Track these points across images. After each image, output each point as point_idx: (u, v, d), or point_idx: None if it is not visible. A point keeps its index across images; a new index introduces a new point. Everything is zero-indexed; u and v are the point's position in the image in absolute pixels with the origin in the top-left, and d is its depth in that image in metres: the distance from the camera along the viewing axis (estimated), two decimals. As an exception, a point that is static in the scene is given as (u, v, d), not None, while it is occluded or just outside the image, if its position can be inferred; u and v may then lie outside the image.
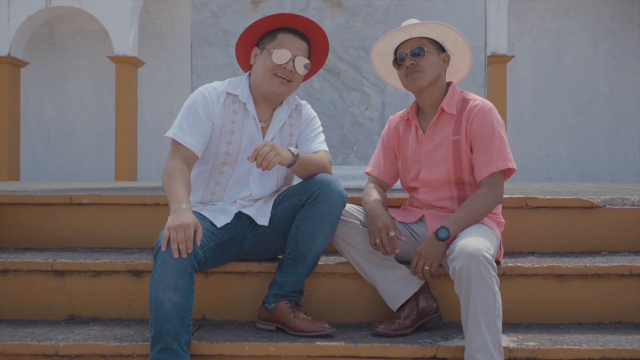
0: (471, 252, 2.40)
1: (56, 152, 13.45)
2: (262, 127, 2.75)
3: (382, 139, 3.01)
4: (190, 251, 2.35)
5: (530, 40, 12.92)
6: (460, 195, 2.78)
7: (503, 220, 2.85)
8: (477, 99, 2.78)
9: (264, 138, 2.75)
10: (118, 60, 12.05)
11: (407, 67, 2.74)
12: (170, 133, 2.67)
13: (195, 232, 2.39)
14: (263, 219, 2.72)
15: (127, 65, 12.09)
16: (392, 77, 2.96)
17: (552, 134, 12.88)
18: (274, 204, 2.75)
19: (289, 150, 2.59)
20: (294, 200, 2.68)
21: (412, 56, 2.72)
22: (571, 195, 3.39)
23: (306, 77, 2.89)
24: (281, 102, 2.80)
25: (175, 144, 2.67)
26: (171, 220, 2.41)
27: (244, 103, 2.75)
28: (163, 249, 2.36)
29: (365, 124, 5.23)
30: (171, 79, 13.16)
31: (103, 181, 7.16)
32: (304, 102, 2.91)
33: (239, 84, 2.78)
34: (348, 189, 4.83)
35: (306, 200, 2.64)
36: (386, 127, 3.00)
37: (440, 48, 2.79)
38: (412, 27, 2.71)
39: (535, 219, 3.20)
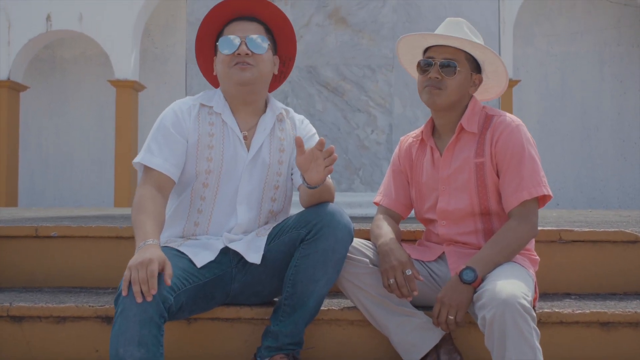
0: (505, 299, 1.93)
1: (55, 177, 13.03)
2: (244, 136, 2.33)
3: (392, 163, 2.55)
4: (154, 292, 1.88)
5: (535, 65, 12.53)
6: (487, 228, 2.32)
7: (537, 257, 2.38)
8: (503, 115, 2.33)
9: (248, 149, 2.31)
10: (118, 84, 11.70)
11: (430, 77, 2.29)
12: (138, 158, 2.26)
13: (163, 269, 1.93)
14: (255, 256, 2.25)
15: (128, 90, 11.74)
16: (412, 68, 2.50)
17: (559, 159, 12.42)
18: (268, 239, 2.29)
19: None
20: (292, 235, 2.21)
21: (440, 67, 2.28)
22: (611, 226, 2.92)
23: (285, 69, 2.48)
24: (265, 109, 2.39)
25: (146, 169, 2.25)
26: (133, 259, 1.95)
27: (220, 114, 2.35)
28: (124, 293, 1.89)
29: (371, 148, 4.81)
30: (172, 102, 12.78)
31: (81, 207, 6.69)
32: (299, 115, 2.50)
33: (213, 94, 2.40)
34: (353, 218, 4.37)
35: (306, 234, 2.18)
36: (397, 149, 2.54)
37: (476, 67, 2.35)
38: (456, 40, 2.26)
39: (571, 254, 2.73)
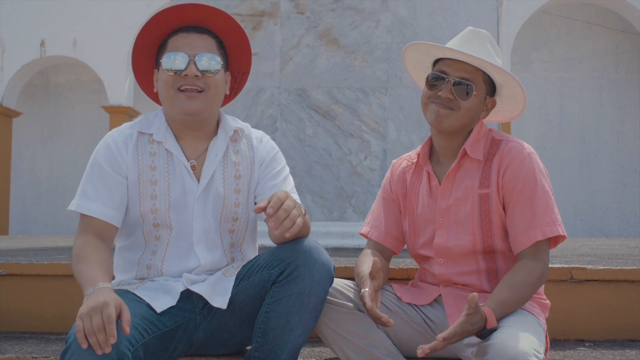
0: (514, 357, 1.59)
1: (48, 204, 12.69)
2: (193, 166, 1.98)
3: (382, 190, 2.21)
4: (114, 340, 1.55)
5: (533, 91, 12.26)
6: (490, 268, 1.98)
7: (548, 301, 2.04)
8: (512, 140, 2.01)
9: (199, 180, 1.95)
10: (112, 110, 11.44)
11: (440, 95, 1.97)
12: (72, 205, 1.91)
13: (119, 315, 1.60)
14: (220, 300, 1.91)
15: (122, 116, 11.47)
16: (420, 73, 2.17)
17: (558, 186, 12.09)
18: (236, 280, 1.95)
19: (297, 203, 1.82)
20: (263, 275, 1.88)
21: (454, 86, 1.96)
22: (626, 262, 2.58)
23: (237, 82, 2.10)
24: (216, 130, 2.03)
25: (83, 216, 1.91)
26: (83, 306, 1.62)
27: (162, 142, 1.98)
28: (83, 345, 1.56)
29: (364, 175, 4.50)
30: (167, 130, 12.50)
31: (66, 235, 6.29)
32: (257, 131, 2.11)
33: (154, 118, 2.02)
34: (345, 249, 4.03)
35: (279, 275, 1.84)
36: (388, 173, 2.21)
37: (491, 89, 2.03)
38: (479, 60, 1.94)
39: (583, 295, 2.40)
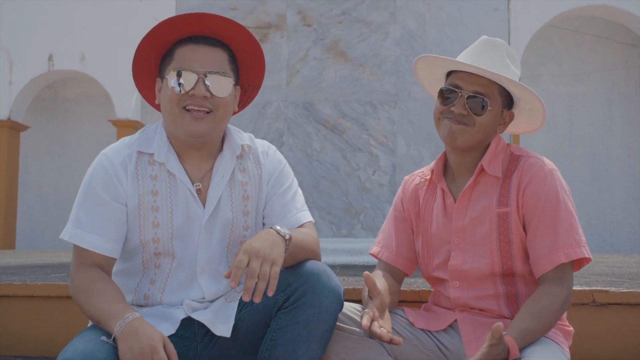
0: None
1: (55, 219, 12.60)
2: (198, 190, 1.81)
3: (394, 208, 2.08)
4: None
5: (542, 105, 12.11)
6: (510, 292, 1.85)
7: (572, 328, 1.90)
8: (532, 156, 1.88)
9: (205, 205, 1.81)
10: (120, 124, 11.37)
11: (453, 111, 1.84)
12: (66, 234, 1.75)
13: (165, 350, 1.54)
14: (223, 328, 1.78)
15: (129, 130, 11.38)
16: (432, 84, 2.04)
17: (568, 201, 11.88)
18: (239, 305, 1.82)
19: (276, 230, 1.67)
20: (268, 301, 1.74)
21: (467, 101, 1.83)
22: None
23: (247, 95, 1.93)
24: (222, 147, 1.86)
25: (78, 248, 1.76)
26: (126, 348, 1.51)
27: (164, 164, 1.80)
28: None
29: (373, 190, 4.38)
30: (174, 144, 12.41)
31: (68, 249, 6.19)
32: (261, 141, 1.93)
33: (153, 134, 1.83)
34: (354, 266, 3.90)
35: (285, 301, 1.71)
36: (400, 190, 2.08)
37: (508, 102, 1.91)
38: (494, 75, 1.82)
39: (605, 320, 2.26)
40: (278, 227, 1.68)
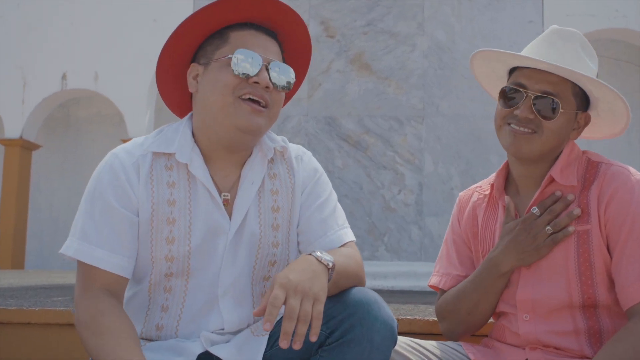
0: None
1: (64, 238, 12.19)
2: (225, 201, 1.51)
3: (451, 230, 1.77)
4: None
5: (559, 129, 11.82)
6: (592, 328, 1.53)
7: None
8: (614, 164, 1.58)
9: (231, 219, 1.51)
10: (132, 144, 11.13)
11: (517, 115, 1.55)
12: (69, 249, 1.43)
13: None
14: (250, 367, 1.46)
15: (141, 150, 11.15)
16: (493, 83, 1.74)
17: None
18: (269, 340, 1.50)
19: (316, 258, 1.36)
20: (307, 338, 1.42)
21: (535, 103, 1.54)
22: None
23: (288, 94, 1.63)
24: (250, 151, 1.56)
25: (84, 267, 1.44)
26: None
27: (186, 165, 1.51)
28: None
29: (398, 210, 4.08)
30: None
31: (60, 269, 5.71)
32: (295, 145, 1.64)
33: (174, 134, 1.52)
34: (377, 291, 3.59)
35: (327, 336, 1.39)
36: (455, 210, 1.77)
37: (584, 102, 1.61)
38: (563, 69, 1.52)
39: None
40: (318, 254, 1.37)
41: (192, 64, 1.52)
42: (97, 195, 1.46)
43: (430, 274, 4.56)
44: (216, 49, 1.49)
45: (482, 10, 4.25)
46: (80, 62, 11.11)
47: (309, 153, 1.64)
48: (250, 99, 1.45)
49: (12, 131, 11.22)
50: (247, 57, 1.44)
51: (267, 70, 1.46)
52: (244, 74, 1.44)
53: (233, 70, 1.44)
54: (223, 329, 1.50)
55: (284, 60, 1.54)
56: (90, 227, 1.44)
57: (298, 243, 1.58)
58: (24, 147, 11.38)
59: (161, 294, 1.51)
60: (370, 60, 4.20)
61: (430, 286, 1.74)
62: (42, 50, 11.16)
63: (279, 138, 1.61)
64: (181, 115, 1.64)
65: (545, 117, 1.54)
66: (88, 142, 12.54)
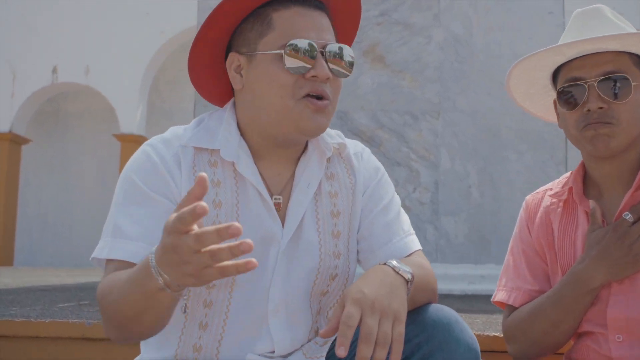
0: None
1: (54, 235, 12.02)
2: (277, 204, 1.29)
3: (519, 239, 1.55)
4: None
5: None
6: None
7: None
8: None
9: (284, 225, 1.29)
10: (124, 138, 10.86)
11: (590, 110, 1.35)
12: (103, 251, 1.19)
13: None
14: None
15: (133, 145, 10.86)
16: (537, 100, 1.55)
17: None
18: (327, 361, 1.28)
19: (392, 268, 1.14)
20: None
21: (599, 87, 1.34)
22: None
23: None
24: (305, 146, 1.34)
25: (115, 264, 1.19)
26: (166, 264, 0.95)
27: (233, 163, 1.28)
28: None
29: (413, 209, 3.88)
30: (179, 160, 11.90)
31: (74, 269, 5.38)
32: (352, 141, 1.41)
33: (217, 126, 1.29)
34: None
35: None
36: (523, 216, 1.55)
37: None
38: (612, 38, 1.33)
39: None
40: (395, 263, 1.15)
41: (231, 54, 1.28)
42: (132, 187, 1.23)
43: (447, 276, 4.30)
44: (259, 36, 1.25)
45: (499, 1, 4.05)
46: (71, 55, 10.81)
47: (367, 149, 1.42)
48: (313, 95, 1.23)
49: (1, 125, 10.90)
50: (301, 49, 1.21)
51: (324, 56, 1.23)
52: (300, 70, 1.21)
53: (287, 68, 1.21)
54: (273, 352, 1.27)
55: (336, 36, 1.31)
56: (124, 222, 1.20)
57: (358, 251, 1.36)
58: (13, 142, 11.06)
59: (200, 308, 1.28)
60: (384, 52, 3.99)
61: (496, 302, 1.53)
62: (32, 42, 10.84)
63: (333, 132, 1.38)
64: (218, 103, 1.41)
65: (619, 99, 1.34)
66: (77, 138, 12.23)
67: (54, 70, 10.96)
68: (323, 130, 1.25)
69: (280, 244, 1.27)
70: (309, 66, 1.21)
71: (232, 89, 1.33)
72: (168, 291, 0.98)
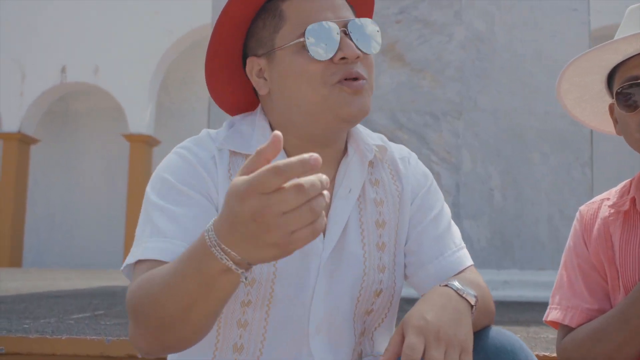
0: None
1: (62, 234, 11.95)
2: None
3: (574, 253, 1.41)
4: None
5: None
6: None
7: None
8: None
9: (324, 236, 1.16)
10: (133, 138, 10.77)
11: None
12: (136, 253, 1.05)
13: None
14: None
15: (142, 144, 10.80)
16: (584, 105, 1.43)
17: None
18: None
19: (456, 291, 1.02)
20: None
21: None
22: None
23: None
24: (344, 146, 1.22)
25: (146, 265, 1.04)
26: (230, 224, 0.79)
27: None
28: None
29: (434, 212, 3.72)
30: (188, 160, 11.82)
31: (84, 269, 5.20)
32: (397, 145, 1.28)
33: (250, 131, 1.17)
34: (414, 299, 3.26)
35: None
36: (577, 228, 1.42)
37: None
38: None
39: None
40: (457, 284, 1.03)
41: (249, 59, 1.16)
42: (167, 186, 1.10)
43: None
44: (274, 32, 1.13)
45: (522, -2, 3.92)
46: (80, 55, 10.73)
47: (414, 154, 1.29)
48: (349, 79, 1.11)
49: (10, 125, 10.83)
50: (320, 34, 1.09)
51: (348, 35, 1.12)
52: (327, 55, 1.09)
53: (312, 57, 1.09)
54: None
55: (354, 11, 1.19)
56: (162, 221, 1.07)
57: (405, 265, 1.24)
58: (22, 141, 11.00)
59: (234, 329, 1.16)
60: (403, 51, 3.87)
61: (548, 322, 1.40)
62: (42, 42, 10.77)
63: (375, 135, 1.26)
64: (234, 113, 1.29)
65: None
66: (86, 137, 12.17)
67: (63, 70, 10.88)
68: (366, 112, 1.12)
69: (320, 257, 1.15)
70: (335, 48, 1.10)
71: (257, 96, 1.21)
72: (238, 270, 0.84)
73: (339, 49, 1.07)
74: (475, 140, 3.84)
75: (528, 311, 3.06)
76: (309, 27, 1.08)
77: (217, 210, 1.09)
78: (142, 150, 10.85)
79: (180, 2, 10.52)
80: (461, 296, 1.01)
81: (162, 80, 11.31)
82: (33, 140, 11.29)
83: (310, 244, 1.11)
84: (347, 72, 1.08)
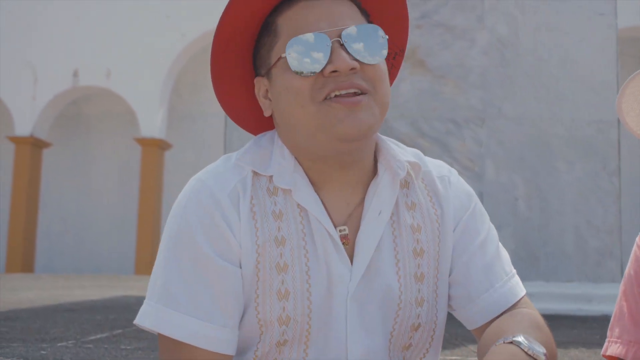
0: None
1: (74, 239, 11.91)
2: (343, 238, 1.05)
3: (632, 281, 1.30)
4: None
5: None
6: None
7: None
8: None
9: (352, 263, 1.05)
10: (144, 142, 10.72)
11: None
12: (148, 318, 0.99)
13: None
14: None
15: (154, 148, 10.74)
16: None
17: None
18: None
19: (523, 349, 0.92)
20: None
21: None
22: None
23: (394, 71, 1.17)
24: (374, 167, 1.09)
25: (168, 342, 0.99)
26: None
27: (290, 191, 1.05)
28: None
29: (456, 222, 3.61)
30: (200, 163, 11.69)
31: (98, 274, 5.04)
32: (435, 161, 1.14)
33: (269, 147, 1.07)
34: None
35: None
36: (637, 252, 1.31)
37: None
38: None
39: None
40: (524, 342, 0.92)
41: (256, 79, 1.07)
42: (183, 241, 1.01)
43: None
44: (270, 49, 1.03)
45: (546, 1, 3.80)
46: (93, 58, 10.69)
47: (455, 171, 1.17)
48: (339, 95, 0.99)
49: (23, 128, 10.80)
50: (303, 45, 0.99)
51: (342, 45, 1.00)
52: (313, 69, 0.99)
53: (295, 72, 0.99)
54: None
55: (365, 16, 1.08)
56: (176, 287, 0.99)
57: (450, 297, 1.12)
58: (35, 145, 10.96)
59: (271, 371, 1.06)
60: (424, 57, 3.76)
61: (607, 357, 1.29)
62: (54, 45, 10.73)
63: (410, 150, 1.14)
64: (257, 132, 1.19)
65: None
66: (98, 141, 12.13)
67: (75, 74, 10.84)
68: (368, 129, 1.00)
69: (348, 287, 1.04)
70: (324, 61, 0.99)
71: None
72: None
73: (329, 61, 0.96)
74: (498, 148, 3.73)
75: (556, 327, 2.96)
76: (290, 40, 0.98)
77: (239, 265, 1.00)
78: (154, 154, 10.79)
79: (192, 6, 10.45)
80: (530, 356, 0.91)
81: (174, 83, 11.25)
82: (45, 144, 11.26)
83: (337, 272, 1.02)
84: (336, 86, 0.97)
